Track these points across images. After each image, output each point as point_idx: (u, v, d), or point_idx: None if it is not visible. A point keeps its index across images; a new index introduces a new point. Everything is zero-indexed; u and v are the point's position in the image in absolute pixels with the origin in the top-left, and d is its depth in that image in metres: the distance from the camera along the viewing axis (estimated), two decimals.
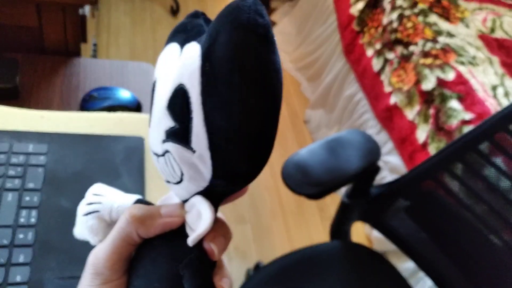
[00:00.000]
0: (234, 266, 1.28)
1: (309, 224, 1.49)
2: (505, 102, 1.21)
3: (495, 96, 1.21)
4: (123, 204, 0.28)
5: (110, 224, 0.28)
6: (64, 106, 0.67)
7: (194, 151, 0.22)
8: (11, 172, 0.49)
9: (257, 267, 1.23)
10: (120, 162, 0.53)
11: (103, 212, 0.28)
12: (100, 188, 0.30)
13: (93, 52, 1.02)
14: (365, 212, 0.90)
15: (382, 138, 1.40)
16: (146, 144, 0.56)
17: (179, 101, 0.22)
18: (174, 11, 1.98)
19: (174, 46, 0.25)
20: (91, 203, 0.29)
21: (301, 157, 0.71)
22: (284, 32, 2.02)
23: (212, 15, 0.22)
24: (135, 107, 0.67)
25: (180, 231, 0.26)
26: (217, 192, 0.25)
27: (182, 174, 0.24)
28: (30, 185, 0.48)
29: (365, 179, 0.81)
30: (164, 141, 0.24)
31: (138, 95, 0.69)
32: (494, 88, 1.24)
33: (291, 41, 1.99)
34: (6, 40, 0.72)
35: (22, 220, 0.45)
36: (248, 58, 0.20)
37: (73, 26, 0.72)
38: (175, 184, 0.26)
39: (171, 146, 0.23)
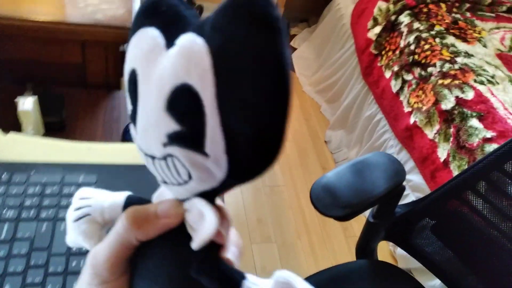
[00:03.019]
0: None
1: (333, 243, 1.50)
2: None
3: None
4: (114, 203, 0.28)
5: (103, 225, 0.28)
6: (106, 136, 0.72)
7: (208, 156, 0.21)
8: (63, 202, 0.53)
9: None
10: None
11: (94, 215, 0.28)
12: (86, 191, 0.29)
13: None
14: (391, 231, 0.92)
15: (403, 157, 1.42)
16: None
17: (185, 103, 0.20)
18: None
19: (151, 32, 0.22)
20: (79, 208, 0.28)
21: (329, 180, 0.74)
22: (303, 56, 2.07)
23: None
24: None
25: (180, 228, 0.25)
26: (219, 190, 0.24)
27: (189, 178, 0.23)
28: None
29: (391, 200, 0.83)
30: (166, 145, 0.22)
31: None
32: None
33: (310, 66, 2.04)
34: (53, 75, 0.78)
35: (74, 248, 0.48)
36: (270, 58, 0.19)
37: (114, 62, 0.78)
38: (176, 185, 0.24)
39: (177, 150, 0.21)
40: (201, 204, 0.24)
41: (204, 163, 0.21)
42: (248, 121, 0.20)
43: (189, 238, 0.24)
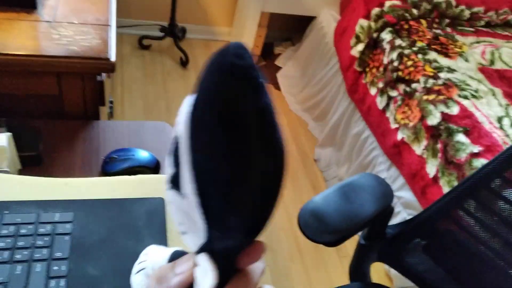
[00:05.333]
0: None
1: (327, 265, 1.47)
2: None
3: (501, 127, 1.23)
4: (161, 259, 0.32)
5: None
6: (85, 169, 0.70)
7: (183, 196, 0.23)
8: (39, 242, 0.50)
9: None
10: (143, 225, 0.54)
11: (147, 269, 0.32)
12: (151, 248, 0.33)
13: (110, 109, 1.06)
14: (383, 252, 0.90)
15: (393, 173, 1.41)
16: (168, 204, 0.58)
17: (175, 147, 0.23)
18: (184, 63, 2.04)
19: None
20: (140, 262, 0.33)
21: (316, 205, 0.73)
22: (289, 75, 2.08)
23: None
24: (154, 166, 0.70)
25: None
26: (222, 249, 0.24)
27: (182, 223, 0.25)
28: (58, 254, 0.49)
29: (381, 221, 0.82)
30: (169, 188, 0.24)
31: (155, 154, 0.72)
32: (499, 119, 1.26)
33: (296, 84, 2.04)
34: (29, 108, 0.76)
35: None
36: (227, 100, 0.20)
37: (92, 92, 0.76)
38: (183, 234, 0.26)
39: (170, 193, 0.24)
40: (203, 260, 0.25)
41: (182, 204, 0.23)
42: (207, 160, 0.21)
43: None
